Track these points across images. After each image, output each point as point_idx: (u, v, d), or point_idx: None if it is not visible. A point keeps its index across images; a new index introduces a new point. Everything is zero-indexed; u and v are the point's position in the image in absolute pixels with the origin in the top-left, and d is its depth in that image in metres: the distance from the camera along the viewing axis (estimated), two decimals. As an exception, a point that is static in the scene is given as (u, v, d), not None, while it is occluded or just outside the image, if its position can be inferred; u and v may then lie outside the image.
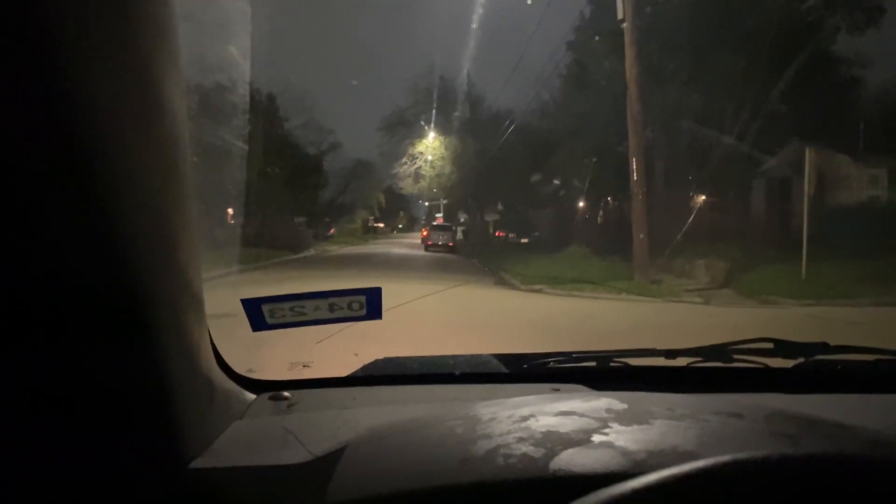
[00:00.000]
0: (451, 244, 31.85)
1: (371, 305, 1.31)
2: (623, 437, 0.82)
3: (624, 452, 0.77)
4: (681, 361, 1.67)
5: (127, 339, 0.84)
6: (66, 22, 0.67)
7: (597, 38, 20.47)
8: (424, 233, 36.25)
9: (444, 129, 38.15)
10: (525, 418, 0.92)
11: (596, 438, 0.82)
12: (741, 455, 0.59)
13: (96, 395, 0.87)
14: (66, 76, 0.68)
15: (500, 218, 41.83)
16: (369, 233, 54.91)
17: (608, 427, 0.85)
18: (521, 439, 0.84)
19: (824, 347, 1.68)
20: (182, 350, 0.95)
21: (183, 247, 0.91)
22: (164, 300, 0.88)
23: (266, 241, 22.14)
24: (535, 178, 31.72)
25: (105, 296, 0.80)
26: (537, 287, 14.09)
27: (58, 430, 0.87)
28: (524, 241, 33.63)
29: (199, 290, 1.01)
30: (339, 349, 4.34)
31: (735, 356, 1.67)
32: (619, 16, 14.28)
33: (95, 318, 0.81)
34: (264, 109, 26.53)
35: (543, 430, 0.87)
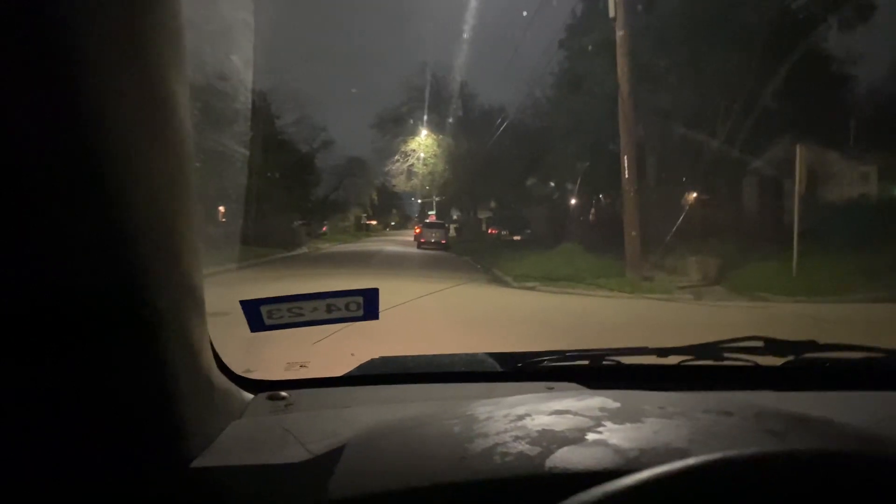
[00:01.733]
0: (443, 241, 31.89)
1: (368, 306, 1.32)
2: (616, 435, 0.83)
3: (617, 450, 0.79)
4: (672, 360, 1.70)
5: (131, 340, 0.86)
6: (82, 27, 0.69)
7: (588, 36, 20.47)
8: (417, 230, 36.27)
9: (437, 127, 38.20)
10: (521, 417, 0.94)
11: (590, 437, 0.84)
12: (731, 452, 0.61)
13: (99, 396, 0.88)
14: (77, 81, 0.70)
15: (492, 215, 41.91)
16: (362, 230, 54.89)
17: (602, 425, 0.87)
18: (517, 438, 0.86)
19: (813, 345, 1.71)
20: (184, 351, 0.96)
21: (187, 249, 0.93)
22: (169, 302, 0.89)
23: (259, 238, 22.08)
24: (528, 175, 31.77)
25: (111, 297, 0.81)
26: (530, 284, 14.12)
27: (59, 429, 0.89)
28: (517, 238, 33.66)
29: (201, 292, 1.02)
30: (335, 348, 4.34)
31: (726, 354, 1.69)
32: (611, 14, 14.29)
33: (101, 319, 0.82)
34: (256, 107, 26.45)
35: (539, 428, 0.89)
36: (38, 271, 0.76)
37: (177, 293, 0.92)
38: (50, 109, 0.69)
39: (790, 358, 1.69)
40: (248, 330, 1.29)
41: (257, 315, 1.27)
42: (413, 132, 38.81)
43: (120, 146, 0.75)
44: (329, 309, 1.31)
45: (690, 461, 0.60)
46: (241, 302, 1.25)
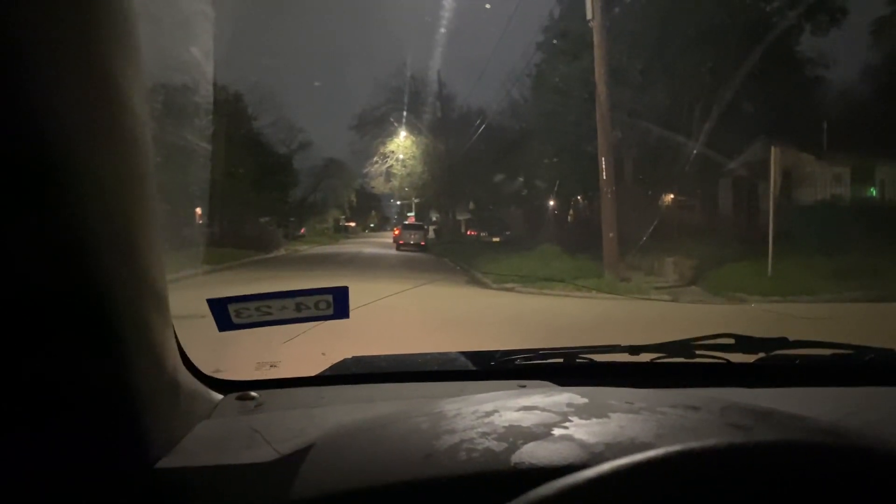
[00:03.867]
0: (422, 243, 31.88)
1: (338, 304, 1.31)
2: (582, 430, 0.83)
3: (582, 445, 0.79)
4: (644, 357, 1.70)
5: (87, 339, 0.84)
6: (25, 22, 0.67)
7: (565, 38, 20.57)
8: (396, 232, 36.21)
9: (415, 128, 38.17)
10: (489, 413, 0.94)
11: (556, 432, 0.84)
12: (691, 444, 0.61)
13: (57, 397, 0.86)
14: (23, 76, 0.68)
15: (471, 217, 41.96)
16: (340, 232, 54.63)
17: (568, 421, 0.87)
18: (484, 434, 0.86)
19: (784, 342, 1.72)
20: (145, 350, 0.95)
21: (144, 246, 0.91)
22: (126, 299, 0.88)
23: (236, 240, 21.98)
24: (506, 177, 31.88)
25: (63, 295, 0.80)
26: (509, 285, 14.16)
27: (17, 433, 0.87)
28: (496, 239, 33.73)
29: (162, 290, 1.00)
30: (306, 348, 4.33)
31: (697, 352, 1.70)
32: (588, 16, 14.38)
33: (54, 318, 0.80)
34: (232, 109, 26.28)
35: (506, 424, 0.88)
36: None
37: (134, 290, 0.90)
38: None
39: (760, 355, 1.71)
40: (216, 330, 1.27)
41: (225, 314, 1.25)
42: (392, 133, 38.78)
43: (65, 143, 0.74)
44: (298, 308, 1.30)
45: (650, 453, 0.60)
46: (209, 300, 1.23)
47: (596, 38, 14.40)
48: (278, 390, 1.53)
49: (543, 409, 0.93)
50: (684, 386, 1.54)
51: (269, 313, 1.28)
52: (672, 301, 11.87)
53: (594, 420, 0.87)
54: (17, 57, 0.67)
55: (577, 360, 1.70)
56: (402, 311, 9.15)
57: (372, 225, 75.15)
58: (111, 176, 0.82)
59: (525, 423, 0.88)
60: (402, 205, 52.07)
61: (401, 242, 32.34)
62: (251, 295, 1.27)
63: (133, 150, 0.87)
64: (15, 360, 0.81)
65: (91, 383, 0.87)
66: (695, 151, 18.43)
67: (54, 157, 0.73)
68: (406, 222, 37.83)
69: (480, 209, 40.56)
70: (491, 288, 14.40)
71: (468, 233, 40.65)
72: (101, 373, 0.87)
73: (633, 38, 18.20)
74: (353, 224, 62.96)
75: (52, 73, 0.71)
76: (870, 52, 24.36)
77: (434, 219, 47.00)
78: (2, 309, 0.77)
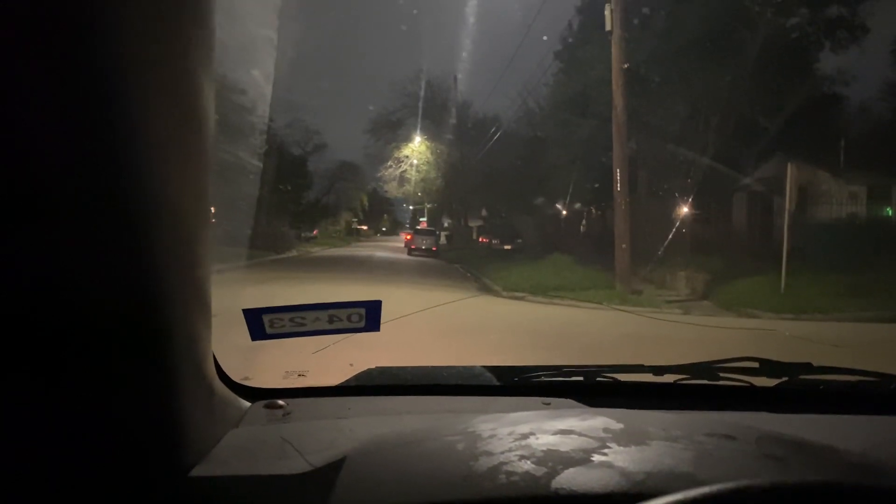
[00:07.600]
0: (434, 249, 31.91)
1: (370, 317, 1.32)
2: (622, 458, 0.84)
3: (623, 473, 0.79)
4: (668, 378, 1.70)
5: (140, 347, 0.85)
6: (114, 37, 0.69)
7: (583, 49, 20.56)
8: (408, 236, 36.26)
9: (430, 134, 38.21)
10: (525, 436, 0.94)
11: (595, 458, 0.84)
12: (744, 482, 0.62)
13: (104, 403, 0.88)
14: (106, 88, 0.70)
15: (483, 224, 41.93)
16: (352, 235, 54.74)
17: (607, 447, 0.88)
18: (522, 457, 0.86)
19: (808, 367, 1.72)
20: (190, 359, 0.96)
21: (202, 259, 0.93)
22: (180, 311, 0.89)
23: (248, 240, 22.00)
24: (520, 185, 31.85)
25: (122, 304, 0.81)
26: (520, 294, 14.13)
27: (63, 435, 0.88)
28: (507, 247, 33.66)
29: (209, 300, 1.02)
30: (333, 357, 4.32)
31: (721, 374, 1.70)
32: (607, 27, 14.37)
33: (111, 326, 0.82)
34: (248, 111, 26.36)
35: (544, 448, 0.89)
36: (54, 276, 0.76)
37: (188, 302, 0.92)
38: (78, 115, 0.69)
39: (784, 379, 1.70)
40: (240, 335, 1.29)
41: (259, 323, 1.27)
42: (406, 138, 38.84)
43: (146, 153, 0.76)
44: (331, 320, 1.31)
45: (705, 490, 0.60)
46: (244, 310, 1.25)
47: (614, 50, 14.39)
48: (304, 399, 1.54)
49: (581, 434, 0.93)
50: (709, 408, 1.54)
51: (303, 324, 1.29)
52: (684, 315, 11.81)
53: (632, 447, 0.87)
54: (105, 69, 0.69)
55: (601, 379, 1.71)
56: (413, 318, 9.16)
57: (384, 228, 75.22)
58: (182, 187, 0.84)
59: (563, 448, 0.88)
60: (414, 209, 52.18)
61: (413, 247, 32.38)
62: (286, 306, 1.28)
63: (202, 161, 0.88)
64: (70, 365, 0.82)
65: (139, 390, 0.89)
66: (710, 165, 18.37)
67: (134, 166, 0.75)
68: (418, 227, 37.92)
69: (492, 216, 40.54)
70: (502, 296, 14.38)
71: (480, 240, 40.58)
72: (149, 379, 0.89)
73: (653, 51, 18.15)
74: (364, 227, 63.04)
75: (138, 86, 0.72)
76: (890, 70, 24.20)
77: (446, 224, 47.02)
78: (63, 313, 0.78)
